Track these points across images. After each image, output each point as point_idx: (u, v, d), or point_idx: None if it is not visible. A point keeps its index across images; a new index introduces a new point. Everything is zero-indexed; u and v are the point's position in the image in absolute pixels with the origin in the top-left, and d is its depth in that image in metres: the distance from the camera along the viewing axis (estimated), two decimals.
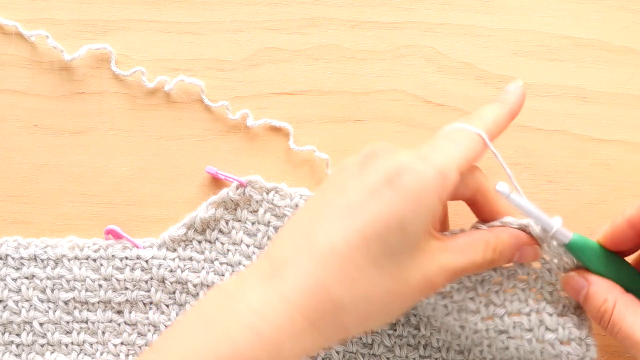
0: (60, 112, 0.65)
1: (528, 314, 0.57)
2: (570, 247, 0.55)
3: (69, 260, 0.62)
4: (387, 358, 0.62)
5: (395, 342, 0.61)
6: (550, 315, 0.56)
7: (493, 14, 0.66)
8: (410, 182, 0.50)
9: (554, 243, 0.55)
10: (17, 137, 0.65)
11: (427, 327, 0.61)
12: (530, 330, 0.57)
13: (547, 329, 0.56)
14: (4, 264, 0.62)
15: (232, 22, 0.66)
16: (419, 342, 0.61)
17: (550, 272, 0.56)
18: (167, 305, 0.62)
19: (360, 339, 0.61)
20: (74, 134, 0.65)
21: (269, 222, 0.62)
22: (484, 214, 0.57)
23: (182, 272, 0.62)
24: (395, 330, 0.61)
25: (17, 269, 0.62)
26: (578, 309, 0.57)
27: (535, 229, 0.55)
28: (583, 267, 0.56)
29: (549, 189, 0.64)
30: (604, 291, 0.55)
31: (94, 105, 0.65)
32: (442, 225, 0.58)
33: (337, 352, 0.61)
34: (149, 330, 0.62)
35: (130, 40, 0.66)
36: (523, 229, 0.55)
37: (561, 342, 0.57)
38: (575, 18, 0.66)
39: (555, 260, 0.56)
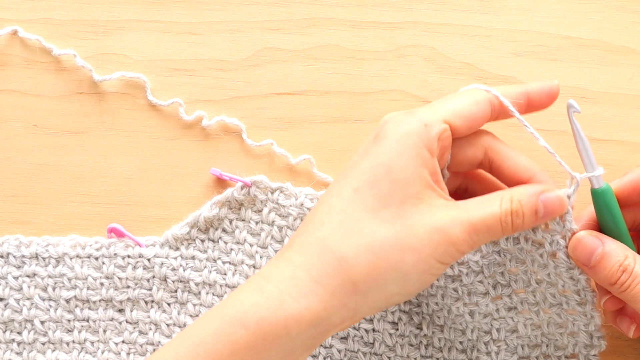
0: (60, 112, 0.67)
1: (533, 291, 0.60)
2: (602, 194, 0.56)
3: (71, 258, 0.64)
4: (389, 357, 0.64)
5: (396, 342, 0.64)
6: (553, 294, 0.60)
7: (493, 14, 0.68)
8: (390, 128, 0.54)
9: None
10: (17, 137, 0.67)
11: (429, 327, 0.63)
12: (537, 303, 0.61)
13: (551, 304, 0.60)
14: (6, 262, 0.64)
15: (232, 22, 0.68)
16: (421, 342, 0.64)
17: (542, 257, 0.58)
18: (169, 304, 0.64)
19: (362, 337, 0.64)
20: (74, 134, 0.67)
21: (273, 221, 0.64)
22: (503, 174, 0.58)
23: (184, 270, 0.64)
24: (397, 329, 0.64)
25: (19, 267, 0.64)
26: (578, 288, 0.59)
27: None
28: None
29: None
30: (621, 248, 0.56)
31: (94, 105, 0.67)
32: None
33: (339, 351, 0.64)
34: (150, 329, 0.64)
35: (130, 40, 0.68)
36: None
37: (567, 311, 0.60)
38: (575, 18, 0.68)
39: (547, 246, 0.57)
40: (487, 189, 0.61)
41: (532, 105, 0.58)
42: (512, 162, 0.58)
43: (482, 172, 0.61)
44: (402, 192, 0.53)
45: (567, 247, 0.57)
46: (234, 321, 0.52)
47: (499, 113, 0.57)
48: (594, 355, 0.62)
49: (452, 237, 0.53)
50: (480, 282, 0.61)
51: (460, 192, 0.62)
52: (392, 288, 0.53)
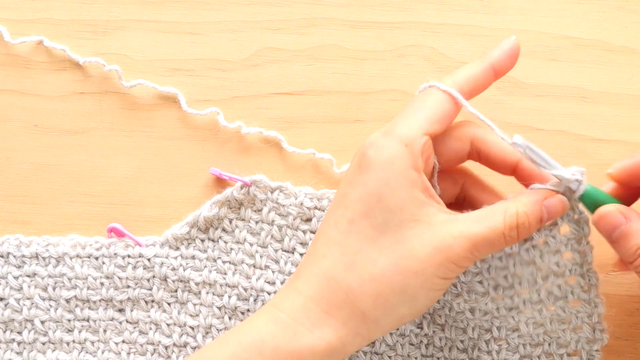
0: (60, 112, 0.68)
1: (538, 290, 0.60)
2: (585, 198, 0.57)
3: (71, 258, 0.65)
4: (389, 357, 0.64)
5: (397, 341, 0.64)
6: (559, 286, 0.60)
7: (493, 14, 0.69)
8: (374, 156, 0.54)
9: (572, 195, 0.57)
10: (17, 137, 0.68)
11: (430, 326, 0.64)
12: (540, 301, 0.60)
13: (556, 297, 0.60)
14: (6, 262, 0.65)
15: (232, 22, 0.69)
16: (421, 341, 0.64)
17: (555, 238, 0.58)
18: (169, 304, 0.65)
19: None
20: (74, 134, 0.68)
21: (272, 221, 0.65)
22: (491, 161, 0.59)
23: (184, 270, 0.65)
24: (398, 328, 0.64)
25: (19, 267, 0.65)
26: (584, 270, 0.60)
27: (554, 180, 0.57)
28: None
29: None
30: None
31: (94, 105, 0.68)
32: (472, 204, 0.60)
33: None
34: (150, 329, 0.65)
35: (130, 40, 0.69)
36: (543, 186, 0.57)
37: (571, 303, 0.61)
38: (575, 18, 0.69)
39: (562, 226, 0.58)
40: (487, 192, 0.62)
41: (499, 73, 0.58)
42: (499, 148, 0.58)
43: (478, 177, 0.62)
44: (397, 218, 0.53)
45: (576, 220, 0.58)
46: (250, 348, 0.53)
47: (469, 95, 0.57)
48: (596, 350, 0.62)
49: (453, 256, 0.53)
50: (480, 282, 0.61)
51: (459, 201, 0.63)
52: (401, 310, 0.54)
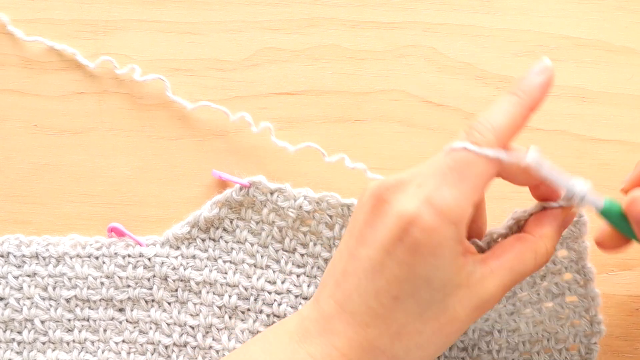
0: (60, 112, 0.68)
1: (537, 291, 0.61)
2: (604, 214, 0.55)
3: (71, 258, 0.65)
4: None
5: None
6: (556, 283, 0.61)
7: (493, 14, 0.69)
8: (421, 239, 0.51)
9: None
10: (17, 137, 0.68)
11: None
12: (539, 301, 0.61)
13: (554, 295, 0.61)
14: (6, 261, 0.65)
15: (232, 22, 0.69)
16: None
17: None
18: (169, 303, 0.65)
19: None
20: (74, 134, 0.68)
21: (273, 221, 0.65)
22: (514, 179, 0.56)
23: (184, 270, 0.65)
24: None
25: (19, 266, 0.65)
26: (579, 266, 0.60)
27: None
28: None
29: None
30: None
31: (94, 105, 0.68)
32: (478, 223, 0.59)
33: None
34: (150, 328, 0.65)
35: (130, 40, 0.69)
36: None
37: (567, 299, 0.61)
38: (575, 18, 0.69)
39: None
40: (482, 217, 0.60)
41: (533, 107, 0.54)
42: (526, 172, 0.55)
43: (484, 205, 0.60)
44: (443, 293, 0.52)
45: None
46: None
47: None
48: (594, 343, 0.63)
49: (489, 308, 0.54)
50: None
51: None
52: (436, 355, 0.55)
